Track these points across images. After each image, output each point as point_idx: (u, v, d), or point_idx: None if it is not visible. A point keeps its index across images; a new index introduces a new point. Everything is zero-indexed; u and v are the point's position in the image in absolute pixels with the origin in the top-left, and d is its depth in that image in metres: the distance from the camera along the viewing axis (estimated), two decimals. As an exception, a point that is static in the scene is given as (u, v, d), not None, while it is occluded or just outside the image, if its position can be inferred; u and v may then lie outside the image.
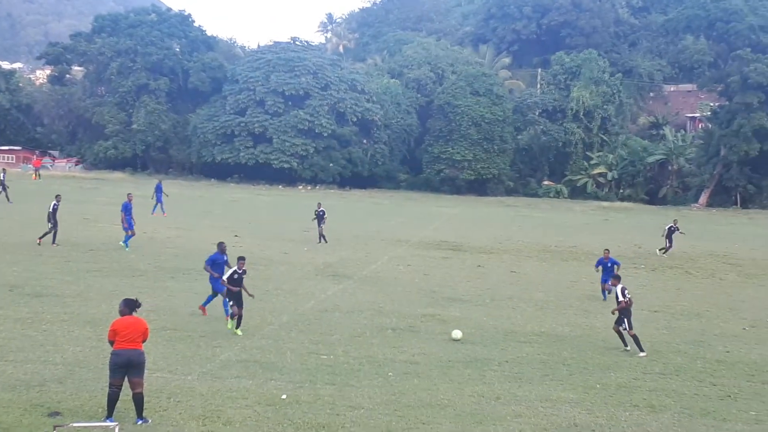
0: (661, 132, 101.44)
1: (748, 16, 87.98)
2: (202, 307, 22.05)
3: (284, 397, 14.92)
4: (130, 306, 13.42)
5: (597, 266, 28.77)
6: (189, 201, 60.55)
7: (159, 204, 48.75)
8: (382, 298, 25.98)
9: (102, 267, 28.42)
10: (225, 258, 22.22)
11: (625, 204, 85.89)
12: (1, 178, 52.23)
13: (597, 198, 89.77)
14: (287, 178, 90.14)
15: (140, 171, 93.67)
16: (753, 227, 67.01)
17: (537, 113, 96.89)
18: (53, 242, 31.96)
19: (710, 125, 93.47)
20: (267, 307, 23.38)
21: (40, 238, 31.95)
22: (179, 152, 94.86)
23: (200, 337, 19.36)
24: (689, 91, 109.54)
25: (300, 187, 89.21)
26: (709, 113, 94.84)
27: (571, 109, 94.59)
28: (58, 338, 18.34)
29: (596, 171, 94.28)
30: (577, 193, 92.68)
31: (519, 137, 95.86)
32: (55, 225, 32.10)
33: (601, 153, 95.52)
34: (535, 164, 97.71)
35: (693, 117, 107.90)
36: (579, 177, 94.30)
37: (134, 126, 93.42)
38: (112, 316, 18.71)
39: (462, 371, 17.63)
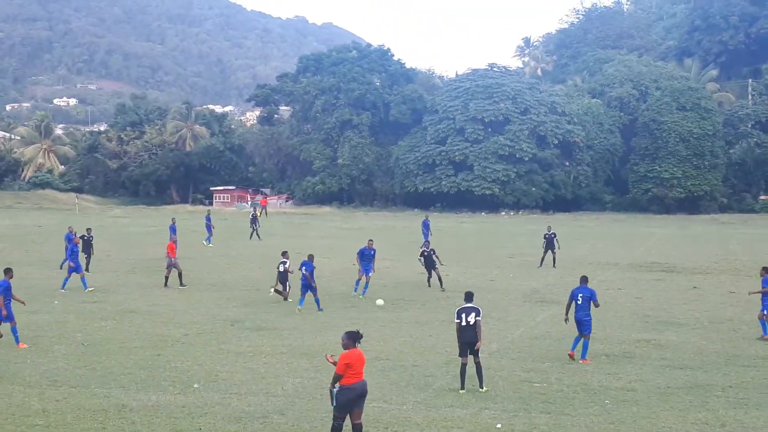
0: None
1: None
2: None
3: (499, 426, 14.80)
4: (353, 338, 13.47)
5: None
6: (394, 231, 61.56)
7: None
8: (594, 324, 25.36)
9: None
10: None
11: None
12: (254, 214, 56.18)
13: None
14: (489, 204, 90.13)
15: (346, 204, 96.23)
16: None
17: (749, 125, 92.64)
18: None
19: None
20: (477, 335, 23.32)
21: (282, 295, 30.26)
22: (383, 184, 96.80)
23: (413, 366, 19.54)
24: None
25: (503, 213, 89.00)
26: None
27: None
28: (277, 370, 18.99)
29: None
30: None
31: (731, 151, 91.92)
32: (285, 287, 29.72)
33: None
34: (750, 179, 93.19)
35: None
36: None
37: (339, 161, 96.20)
38: (327, 348, 19.26)
39: (683, 398, 16.92)
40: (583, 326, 20.35)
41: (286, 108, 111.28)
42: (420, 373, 18.85)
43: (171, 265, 32.51)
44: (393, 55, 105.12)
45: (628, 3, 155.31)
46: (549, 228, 41.79)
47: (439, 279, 31.92)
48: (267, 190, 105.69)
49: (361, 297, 30.09)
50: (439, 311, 27.31)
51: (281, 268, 29.30)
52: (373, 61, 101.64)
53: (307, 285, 27.77)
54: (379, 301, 28.57)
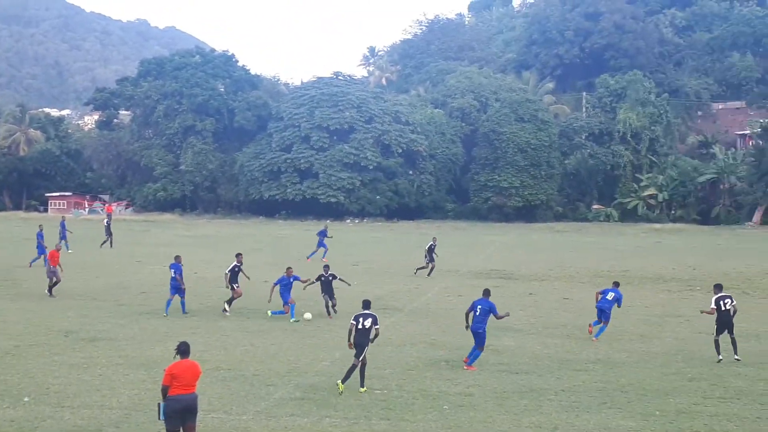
0: (711, 151, 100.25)
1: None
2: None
3: (339, 434, 14.80)
4: (180, 350, 13.34)
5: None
6: (238, 239, 60.90)
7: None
8: (434, 330, 25.82)
9: (155, 309, 28.61)
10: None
11: (678, 225, 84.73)
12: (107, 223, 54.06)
13: (648, 220, 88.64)
14: (335, 212, 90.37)
15: (189, 211, 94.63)
16: (810, 244, 65.71)
17: (583, 137, 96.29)
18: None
19: (761, 142, 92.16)
20: (319, 343, 23.37)
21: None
22: (227, 191, 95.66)
23: (254, 375, 19.35)
24: (738, 109, 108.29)
25: (348, 220, 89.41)
26: (759, 130, 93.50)
27: (618, 132, 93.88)
28: (113, 382, 18.44)
29: (646, 193, 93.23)
30: (628, 216, 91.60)
31: (566, 162, 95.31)
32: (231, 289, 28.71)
33: (650, 174, 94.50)
34: (584, 188, 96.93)
35: (743, 134, 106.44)
36: (629, 200, 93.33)
37: (182, 167, 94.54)
38: (166, 358, 18.81)
39: (518, 402, 17.40)
40: (478, 338, 20.66)
41: (126, 113, 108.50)
42: (261, 383, 18.68)
43: (51, 273, 31.50)
44: (237, 61, 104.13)
45: (470, 16, 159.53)
46: (434, 239, 42.35)
47: (333, 308, 29.01)
48: (106, 197, 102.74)
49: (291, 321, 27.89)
50: (282, 320, 27.17)
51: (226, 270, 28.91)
52: (217, 66, 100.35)
53: (177, 287, 27.83)
54: (308, 315, 27.89)
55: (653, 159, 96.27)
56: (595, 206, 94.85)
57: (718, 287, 22.14)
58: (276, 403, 16.99)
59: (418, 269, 40.68)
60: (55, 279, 31.56)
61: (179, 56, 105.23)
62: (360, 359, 18.16)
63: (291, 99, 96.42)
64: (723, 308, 21.49)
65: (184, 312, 27.90)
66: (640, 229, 79.76)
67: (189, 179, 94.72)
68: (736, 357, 21.56)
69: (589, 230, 78.56)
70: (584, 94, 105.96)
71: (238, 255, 29.80)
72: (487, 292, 21.42)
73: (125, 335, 23.99)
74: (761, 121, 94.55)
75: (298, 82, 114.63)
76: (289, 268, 28.70)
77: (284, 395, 17.66)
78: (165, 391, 12.92)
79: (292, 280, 28.17)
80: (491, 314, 20.77)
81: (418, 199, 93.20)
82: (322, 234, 49.26)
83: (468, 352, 21.17)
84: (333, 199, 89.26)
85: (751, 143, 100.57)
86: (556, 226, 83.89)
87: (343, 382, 17.95)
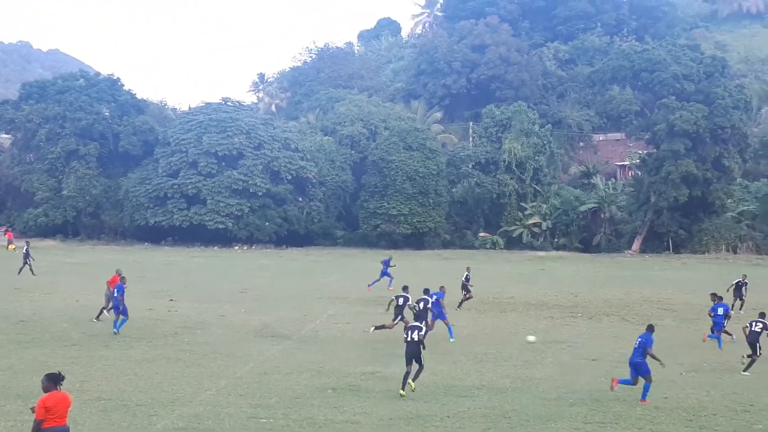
0: (592, 181, 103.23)
1: (671, 65, 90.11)
2: None
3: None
4: (54, 380, 12.88)
5: None
6: (123, 266, 59.55)
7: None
8: (322, 358, 25.76)
9: (34, 338, 27.77)
10: None
11: (560, 253, 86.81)
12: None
13: (532, 248, 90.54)
14: (223, 238, 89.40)
15: (71, 237, 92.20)
16: (686, 272, 68.17)
17: (470, 166, 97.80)
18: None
19: (639, 173, 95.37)
20: (204, 372, 23.04)
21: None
22: (111, 217, 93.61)
23: (136, 406, 18.94)
24: (618, 140, 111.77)
25: (236, 247, 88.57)
26: (638, 161, 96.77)
27: (504, 161, 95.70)
28: (-13, 414, 17.79)
29: (531, 221, 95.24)
30: (513, 243, 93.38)
31: (453, 190, 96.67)
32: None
33: (534, 203, 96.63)
34: (471, 216, 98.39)
35: (623, 165, 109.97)
36: (514, 228, 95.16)
37: (64, 192, 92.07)
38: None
39: (404, 428, 17.50)
40: (640, 369, 20.55)
41: (6, 136, 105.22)
42: (143, 413, 18.29)
43: None
44: (123, 85, 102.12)
45: (359, 45, 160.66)
46: (468, 269, 42.50)
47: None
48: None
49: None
50: (167, 348, 26.70)
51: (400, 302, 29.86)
52: (101, 90, 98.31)
53: (118, 306, 28.93)
54: (531, 338, 27.53)
55: (537, 188, 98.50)
56: (481, 234, 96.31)
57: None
58: (159, 434, 16.66)
59: (461, 302, 39.89)
60: None
61: (62, 79, 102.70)
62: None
63: (178, 124, 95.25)
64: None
65: (116, 330, 28.71)
66: (524, 256, 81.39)
67: (71, 204, 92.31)
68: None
69: (476, 257, 79.66)
70: (471, 123, 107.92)
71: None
72: (651, 328, 21.48)
73: (2, 365, 23.18)
74: (640, 152, 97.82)
75: (186, 108, 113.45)
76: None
77: (167, 425, 17.34)
78: (38, 425, 12.47)
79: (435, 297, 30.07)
80: (645, 347, 20.80)
81: (307, 226, 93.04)
82: (386, 263, 50.23)
83: (353, 380, 21.17)
84: (221, 226, 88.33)
85: (630, 174, 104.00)
86: (444, 253, 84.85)
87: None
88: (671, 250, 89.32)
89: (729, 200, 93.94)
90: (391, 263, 50.78)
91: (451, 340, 30.22)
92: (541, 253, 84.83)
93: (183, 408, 18.82)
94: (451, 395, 20.83)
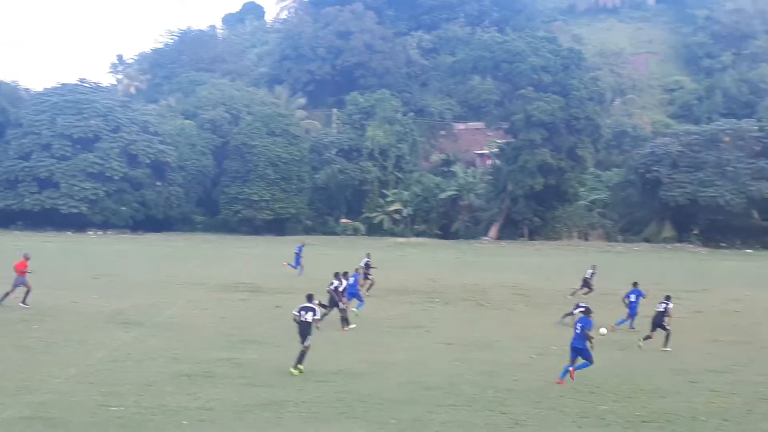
0: (453, 169, 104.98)
1: (530, 56, 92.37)
2: None
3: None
4: None
5: None
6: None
7: None
8: (177, 344, 25.29)
9: None
10: None
11: (420, 239, 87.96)
12: None
13: (393, 234, 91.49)
14: (77, 223, 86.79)
15: None
16: (540, 258, 70.10)
17: (333, 152, 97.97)
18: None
19: (498, 161, 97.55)
20: (54, 360, 22.29)
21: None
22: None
23: (-22, 395, 18.16)
24: (478, 129, 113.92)
25: (90, 232, 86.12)
26: (496, 150, 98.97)
27: (367, 148, 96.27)
28: None
29: (392, 208, 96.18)
30: (374, 230, 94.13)
31: (316, 176, 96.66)
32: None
33: (396, 190, 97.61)
34: (333, 203, 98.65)
35: (482, 153, 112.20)
36: (375, 214, 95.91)
37: None
38: None
39: (259, 415, 17.36)
40: (582, 354, 21.14)
41: None
42: (-14, 403, 17.55)
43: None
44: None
45: (223, 28, 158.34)
46: (368, 255, 41.91)
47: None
48: None
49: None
50: (14, 336, 25.69)
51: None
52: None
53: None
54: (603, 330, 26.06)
55: (399, 175, 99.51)
56: (343, 220, 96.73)
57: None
58: (2, 424, 16.02)
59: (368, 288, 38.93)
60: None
61: None
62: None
63: (32, 105, 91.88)
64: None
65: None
66: (385, 242, 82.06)
67: None
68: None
69: (337, 243, 79.88)
70: (335, 110, 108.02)
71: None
72: (587, 311, 21.94)
73: None
74: (499, 141, 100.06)
75: (40, 88, 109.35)
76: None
77: (12, 414, 16.70)
78: None
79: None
80: (586, 330, 21.25)
81: (166, 211, 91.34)
82: (299, 250, 49.65)
83: (208, 366, 20.88)
84: (75, 210, 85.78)
85: (489, 162, 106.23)
86: (306, 239, 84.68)
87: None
88: (527, 237, 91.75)
89: (582, 189, 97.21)
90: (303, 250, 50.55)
91: (355, 309, 31.49)
92: (402, 240, 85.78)
93: (30, 396, 18.17)
94: (307, 380, 20.78)
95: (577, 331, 21.20)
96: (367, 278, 39.66)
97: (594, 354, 24.82)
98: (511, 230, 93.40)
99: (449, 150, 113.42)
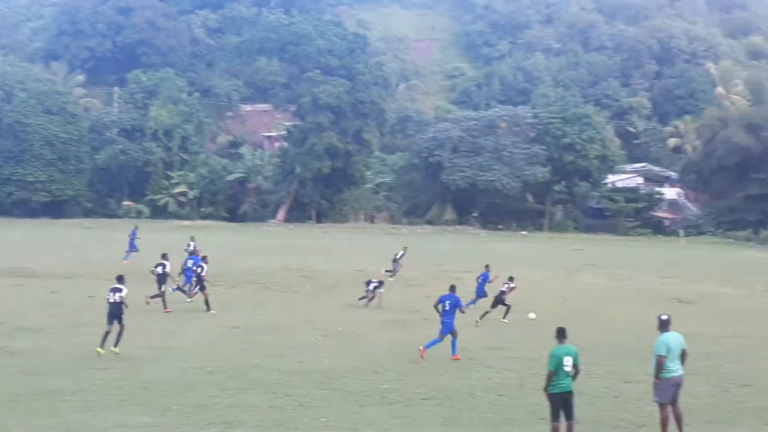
0: (240, 151, 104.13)
1: (316, 39, 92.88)
2: None
3: None
4: None
5: None
6: None
7: None
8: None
9: None
10: None
11: (207, 222, 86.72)
12: None
13: (179, 217, 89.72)
14: None
15: None
16: (328, 240, 70.77)
17: (115, 132, 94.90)
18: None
19: (285, 144, 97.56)
20: None
21: None
22: None
23: None
24: (265, 111, 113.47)
25: None
26: (284, 132, 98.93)
27: (150, 128, 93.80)
28: None
29: (177, 190, 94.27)
30: (159, 212, 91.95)
31: (97, 157, 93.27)
32: None
33: (181, 172, 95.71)
34: (115, 184, 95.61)
35: (270, 136, 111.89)
36: (160, 196, 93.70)
37: None
38: None
39: (31, 404, 16.53)
40: (445, 327, 21.80)
41: None
42: None
43: None
44: None
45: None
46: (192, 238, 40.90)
47: None
48: None
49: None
50: None
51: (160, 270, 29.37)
52: None
53: None
54: (531, 315, 27.22)
55: (184, 157, 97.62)
56: (125, 202, 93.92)
57: None
58: None
59: None
60: None
61: None
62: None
63: None
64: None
65: None
66: (170, 225, 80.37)
67: None
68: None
69: (118, 226, 77.29)
70: (116, 89, 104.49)
71: None
72: (453, 288, 22.41)
73: None
74: (286, 123, 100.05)
75: None
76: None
77: None
78: None
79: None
80: (457, 308, 21.92)
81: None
82: (133, 234, 47.26)
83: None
84: None
85: (276, 145, 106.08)
86: (85, 222, 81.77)
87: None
88: (314, 220, 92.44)
89: (368, 172, 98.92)
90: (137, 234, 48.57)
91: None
92: (187, 222, 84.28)
93: None
94: (85, 368, 19.97)
95: (446, 308, 21.86)
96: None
97: (377, 334, 25.33)
98: (299, 213, 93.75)
99: (236, 132, 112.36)
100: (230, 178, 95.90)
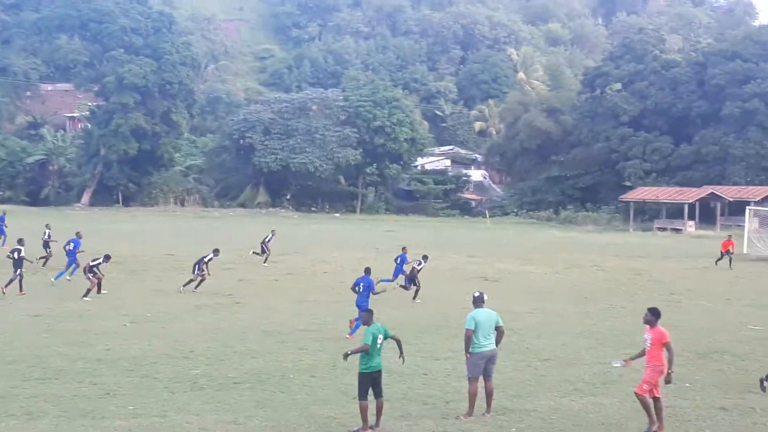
0: (40, 132, 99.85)
1: (119, 17, 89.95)
2: None
3: None
4: None
5: None
6: None
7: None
8: None
9: None
10: None
11: (6, 206, 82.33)
12: None
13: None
14: None
15: None
16: (134, 224, 68.89)
17: None
18: None
19: (89, 125, 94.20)
20: None
21: None
22: None
23: None
24: (67, 91, 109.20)
25: None
26: (87, 113, 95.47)
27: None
28: None
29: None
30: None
31: None
32: None
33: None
34: None
35: (72, 117, 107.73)
36: None
37: None
38: None
39: None
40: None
41: None
42: None
43: None
44: None
45: None
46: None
47: None
48: None
49: None
50: None
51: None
52: None
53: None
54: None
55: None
56: None
57: None
58: None
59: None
60: None
61: None
62: None
63: None
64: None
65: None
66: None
67: None
68: None
69: None
70: None
71: None
72: (368, 270, 24.25)
73: None
74: (89, 104, 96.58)
75: None
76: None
77: None
78: None
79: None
80: (370, 290, 23.24)
81: None
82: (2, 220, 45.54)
83: None
84: None
85: (80, 126, 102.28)
86: None
87: None
88: (121, 203, 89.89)
89: (177, 154, 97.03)
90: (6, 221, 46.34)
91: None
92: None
93: None
94: None
95: (360, 290, 22.93)
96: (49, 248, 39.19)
97: (187, 319, 24.95)
98: (105, 196, 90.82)
99: (36, 112, 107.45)
100: (30, 160, 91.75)
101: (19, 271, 29.40)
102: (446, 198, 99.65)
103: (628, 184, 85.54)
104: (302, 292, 31.32)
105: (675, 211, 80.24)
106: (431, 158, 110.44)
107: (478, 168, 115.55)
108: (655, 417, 14.11)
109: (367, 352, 13.97)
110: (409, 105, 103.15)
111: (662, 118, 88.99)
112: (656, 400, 14.11)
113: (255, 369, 18.72)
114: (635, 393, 14.19)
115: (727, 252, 43.14)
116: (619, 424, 14.96)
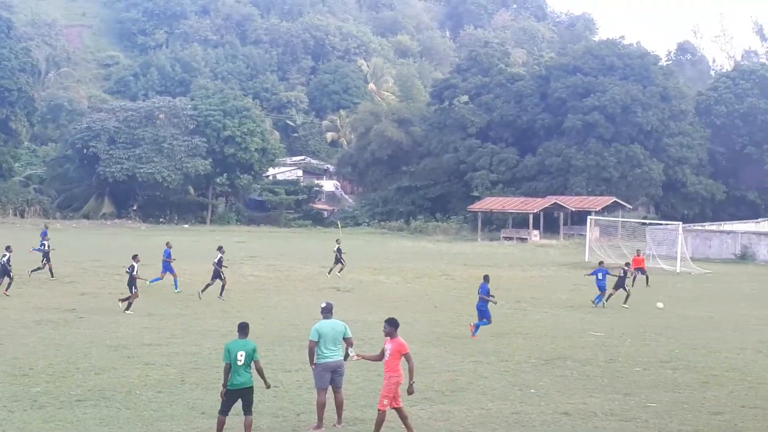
0: None
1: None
2: None
3: None
4: None
5: None
6: None
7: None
8: None
9: None
10: None
11: None
12: None
13: None
14: None
15: None
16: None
17: None
18: None
19: None
20: None
21: None
22: None
23: None
24: None
25: None
26: None
27: None
28: None
29: None
30: None
31: None
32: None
33: None
34: None
35: None
36: None
37: None
38: None
39: None
40: (482, 314, 27.67)
41: None
42: None
43: None
44: None
45: None
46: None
47: None
48: None
49: None
50: None
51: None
52: None
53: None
54: (659, 304, 31.24)
55: None
56: None
57: None
58: None
59: None
60: None
61: None
62: None
63: None
64: None
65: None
66: None
67: None
68: None
69: None
70: None
71: None
72: (486, 278, 25.80)
73: None
74: None
75: None
76: None
77: None
78: None
79: None
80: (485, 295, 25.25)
81: None
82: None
83: None
84: None
85: None
86: None
87: None
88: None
89: (17, 164, 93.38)
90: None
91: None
92: None
93: None
94: None
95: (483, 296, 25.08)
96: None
97: (27, 335, 23.93)
98: None
99: None
100: None
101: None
102: (298, 208, 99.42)
103: (476, 194, 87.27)
104: (149, 305, 30.47)
105: (521, 221, 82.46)
106: (283, 168, 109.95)
107: (330, 178, 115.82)
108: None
109: (227, 371, 13.74)
110: (260, 114, 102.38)
111: (508, 130, 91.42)
112: (399, 410, 14.29)
113: (99, 385, 18.03)
114: (378, 409, 14.30)
115: (639, 269, 40.72)
116: (466, 431, 15.12)
